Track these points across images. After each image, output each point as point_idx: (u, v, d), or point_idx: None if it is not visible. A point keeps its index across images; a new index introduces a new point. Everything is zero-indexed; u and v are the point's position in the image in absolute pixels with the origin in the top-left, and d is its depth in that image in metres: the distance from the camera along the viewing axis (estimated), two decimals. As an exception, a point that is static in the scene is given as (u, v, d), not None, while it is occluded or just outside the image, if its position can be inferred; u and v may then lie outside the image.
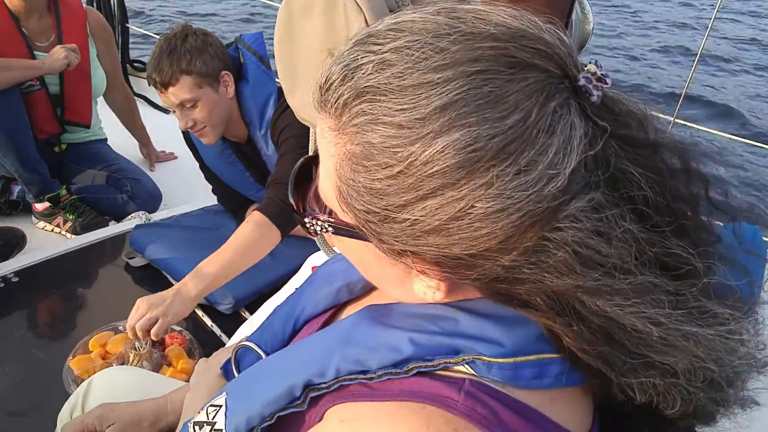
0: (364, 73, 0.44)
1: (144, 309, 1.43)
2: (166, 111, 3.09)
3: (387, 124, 0.43)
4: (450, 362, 0.50)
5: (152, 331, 1.41)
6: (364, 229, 0.49)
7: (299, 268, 1.37)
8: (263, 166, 1.85)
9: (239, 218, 2.02)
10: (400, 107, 0.43)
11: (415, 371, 0.51)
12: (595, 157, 0.44)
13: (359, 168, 0.46)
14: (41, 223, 2.25)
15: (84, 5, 2.39)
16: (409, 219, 0.45)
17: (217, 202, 2.12)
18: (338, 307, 0.76)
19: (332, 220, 0.53)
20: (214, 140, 1.72)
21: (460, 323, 0.51)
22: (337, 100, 0.46)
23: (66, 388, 1.43)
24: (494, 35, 0.44)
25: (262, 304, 1.44)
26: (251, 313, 1.72)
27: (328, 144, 0.48)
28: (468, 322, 0.51)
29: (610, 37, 8.24)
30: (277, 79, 1.45)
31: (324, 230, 0.54)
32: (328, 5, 0.74)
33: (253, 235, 1.51)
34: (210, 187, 2.09)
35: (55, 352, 1.55)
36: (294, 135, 1.60)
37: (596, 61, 0.47)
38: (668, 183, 0.46)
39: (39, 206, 2.23)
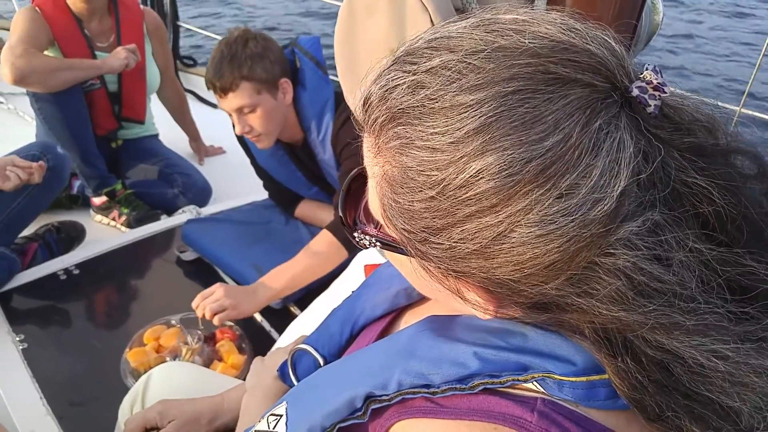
0: (398, 95, 0.44)
1: (220, 294, 1.53)
2: (214, 106, 3.14)
3: (421, 147, 0.42)
4: (518, 380, 0.48)
5: (216, 318, 1.51)
6: (408, 246, 0.48)
7: (348, 264, 1.37)
8: (316, 167, 1.85)
9: (290, 214, 2.04)
10: (433, 131, 0.42)
11: (481, 387, 0.49)
12: (652, 174, 0.41)
13: (398, 189, 0.45)
14: (98, 217, 2.32)
15: (140, 5, 2.44)
16: (448, 242, 0.44)
17: (266, 197, 2.15)
18: (397, 312, 0.76)
19: (380, 234, 0.53)
20: (269, 145, 1.73)
21: (528, 339, 0.49)
22: (375, 121, 0.46)
23: (123, 380, 1.48)
24: (532, 50, 0.41)
25: (311, 299, 1.45)
26: (300, 309, 1.74)
27: (370, 163, 0.48)
28: (537, 338, 0.49)
29: (674, 27, 7.92)
30: (333, 77, 1.45)
31: (372, 244, 0.54)
32: (393, 3, 0.72)
33: (322, 253, 1.60)
34: (259, 181, 2.11)
35: (112, 344, 1.60)
36: (356, 153, 1.59)
37: (654, 66, 0.43)
38: (743, 191, 0.43)
39: (97, 200, 2.30)
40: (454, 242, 0.43)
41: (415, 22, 0.71)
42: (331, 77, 1.69)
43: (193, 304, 1.54)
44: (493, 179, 0.40)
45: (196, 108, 2.88)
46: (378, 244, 0.53)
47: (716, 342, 0.41)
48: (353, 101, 1.03)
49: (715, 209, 0.41)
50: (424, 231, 0.45)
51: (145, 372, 1.15)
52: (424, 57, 0.44)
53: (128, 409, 1.07)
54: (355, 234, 0.56)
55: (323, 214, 1.98)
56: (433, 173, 0.42)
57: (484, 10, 0.47)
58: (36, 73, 2.03)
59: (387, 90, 0.45)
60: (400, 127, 0.44)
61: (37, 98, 2.13)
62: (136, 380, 1.19)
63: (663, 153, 0.41)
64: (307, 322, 1.31)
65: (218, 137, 2.83)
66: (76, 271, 1.87)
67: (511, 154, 0.39)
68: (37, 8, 2.15)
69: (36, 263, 1.92)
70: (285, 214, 2.06)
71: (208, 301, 1.52)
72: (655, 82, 0.42)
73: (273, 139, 1.73)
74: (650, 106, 0.41)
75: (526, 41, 0.42)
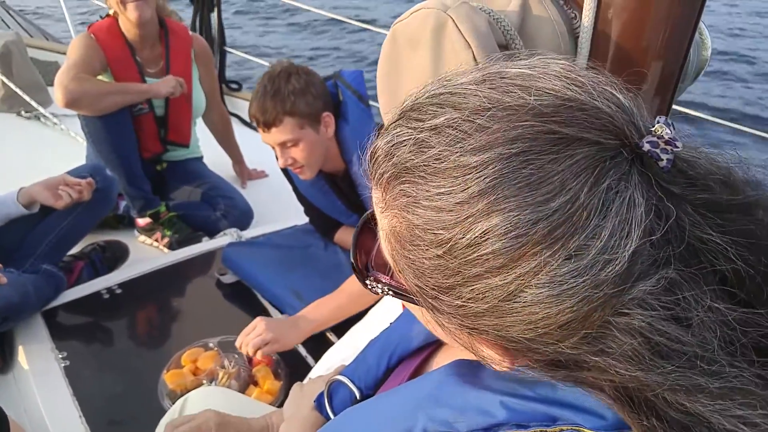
0: (403, 152, 0.44)
1: (261, 329, 1.54)
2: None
3: (427, 207, 0.42)
4: (546, 431, 0.46)
5: (259, 352, 1.52)
6: (420, 299, 0.47)
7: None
8: (357, 197, 1.86)
9: (329, 240, 2.04)
10: (438, 191, 0.41)
11: None
12: (666, 232, 0.39)
13: (406, 246, 0.45)
14: (142, 237, 2.38)
15: (189, 31, 2.52)
16: (458, 300, 0.43)
17: (306, 222, 2.16)
18: (434, 347, 0.74)
19: (392, 283, 0.52)
20: (311, 176, 1.75)
21: (557, 390, 0.47)
22: (382, 176, 0.46)
23: (160, 401, 1.49)
24: (536, 110, 0.41)
25: (347, 326, 1.44)
26: (337, 335, 1.72)
27: (380, 215, 0.48)
28: (566, 389, 0.47)
29: (722, 61, 7.78)
30: (375, 105, 1.46)
31: (384, 293, 0.54)
32: (436, 39, 0.72)
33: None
34: (300, 206, 2.12)
35: (151, 364, 1.61)
36: None
37: (666, 119, 0.42)
38: (764, 248, 0.40)
39: (141, 221, 2.35)
40: (464, 301, 0.43)
41: (457, 58, 0.71)
42: (374, 105, 1.70)
43: (237, 343, 1.56)
44: (500, 240, 0.39)
45: (240, 131, 2.93)
46: (390, 292, 0.53)
47: (743, 407, 0.39)
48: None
49: (734, 267, 0.40)
50: (434, 289, 0.44)
51: (182, 394, 1.16)
52: (429, 114, 0.44)
53: (164, 433, 1.07)
54: (367, 282, 0.56)
55: (362, 240, 1.97)
56: (439, 232, 0.42)
57: (492, 63, 0.47)
58: (86, 96, 2.11)
59: (393, 146, 0.45)
60: (406, 185, 0.44)
61: (87, 121, 2.21)
62: (173, 402, 1.19)
63: (677, 210, 0.40)
64: (342, 349, 1.30)
65: (261, 161, 2.87)
66: (119, 291, 1.90)
67: (517, 215, 0.39)
68: (92, 35, 2.25)
69: (81, 281, 1.97)
70: (324, 240, 2.06)
71: (250, 338, 1.54)
72: (666, 136, 0.40)
73: (315, 170, 1.74)
74: (663, 160, 0.40)
75: (531, 99, 0.41)
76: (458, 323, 0.45)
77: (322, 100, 1.66)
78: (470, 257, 0.41)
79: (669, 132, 0.41)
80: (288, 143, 1.65)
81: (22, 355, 1.63)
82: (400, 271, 0.48)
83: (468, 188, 0.40)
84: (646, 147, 0.40)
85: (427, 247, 0.43)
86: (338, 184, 1.87)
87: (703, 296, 0.39)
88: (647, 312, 0.39)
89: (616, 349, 0.40)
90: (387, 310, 1.29)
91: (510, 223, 0.39)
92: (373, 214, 0.53)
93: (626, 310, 0.39)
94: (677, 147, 0.40)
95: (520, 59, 0.47)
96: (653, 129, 0.41)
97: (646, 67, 0.77)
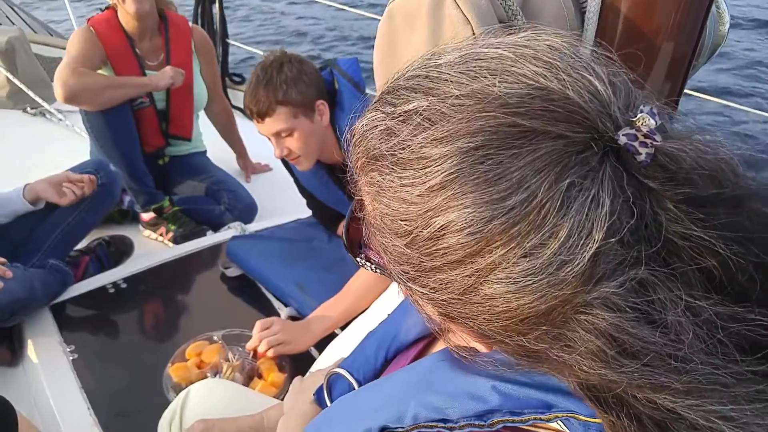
0: (374, 138, 0.45)
1: (277, 329, 1.58)
2: (261, 123, 3.19)
3: (392, 198, 0.43)
4: (540, 419, 0.46)
5: (271, 351, 1.56)
6: (399, 281, 0.48)
7: (390, 283, 1.36)
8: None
9: (332, 232, 2.04)
10: (401, 182, 0.42)
11: (501, 425, 0.47)
12: (637, 230, 0.38)
13: (376, 231, 0.47)
14: (147, 232, 2.39)
15: (190, 24, 2.50)
16: (424, 288, 0.44)
17: (310, 215, 2.16)
18: (431, 339, 0.74)
19: (382, 263, 0.53)
20: (308, 167, 1.75)
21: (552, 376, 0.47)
22: (357, 161, 0.47)
23: (165, 394, 1.50)
24: (501, 100, 0.39)
25: (352, 318, 1.45)
26: (341, 327, 1.73)
27: (360, 196, 0.49)
28: None
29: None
30: (372, 93, 1.45)
31: (373, 270, 0.56)
32: (434, 16, 0.70)
33: (369, 283, 1.63)
34: (303, 199, 2.12)
35: (156, 357, 1.63)
36: None
37: (651, 108, 0.39)
38: (756, 240, 0.39)
39: (145, 216, 2.36)
40: (429, 290, 0.44)
41: (456, 35, 0.68)
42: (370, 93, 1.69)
43: (251, 343, 1.58)
44: (456, 236, 0.40)
45: (244, 125, 2.92)
46: (378, 270, 0.55)
47: (715, 404, 0.37)
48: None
49: (721, 261, 0.38)
50: (404, 274, 0.45)
51: (186, 387, 1.17)
52: (402, 98, 0.44)
53: (167, 426, 1.08)
54: (358, 258, 0.58)
55: (365, 232, 1.97)
56: (403, 223, 0.43)
57: (483, 36, 0.46)
58: (85, 91, 2.11)
59: (367, 129, 0.46)
60: (374, 173, 0.45)
61: (88, 116, 2.21)
62: (177, 394, 1.20)
63: (653, 206, 0.38)
64: (346, 342, 1.30)
65: (265, 154, 2.86)
66: (124, 285, 1.92)
67: (472, 212, 0.39)
68: (91, 28, 2.24)
69: (87, 276, 1.98)
70: (328, 232, 2.06)
71: (266, 334, 1.57)
72: (645, 129, 0.38)
73: (312, 160, 1.74)
74: (641, 154, 0.38)
75: (498, 87, 0.40)
76: (431, 307, 0.47)
77: (316, 88, 1.65)
78: (430, 250, 0.42)
79: (652, 123, 0.39)
80: (282, 133, 1.64)
81: (31, 349, 1.65)
82: (379, 252, 0.49)
83: (427, 181, 0.40)
84: (622, 140, 0.38)
85: (393, 236, 0.44)
86: (337, 174, 1.87)
87: (680, 295, 0.38)
88: (612, 313, 0.38)
89: (579, 345, 0.39)
90: (389, 301, 1.29)
91: (465, 220, 0.39)
92: None
93: (588, 310, 0.38)
94: (657, 141, 0.38)
95: (514, 33, 0.45)
96: (634, 120, 0.39)
97: (658, 44, 0.73)
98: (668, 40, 0.74)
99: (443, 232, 0.40)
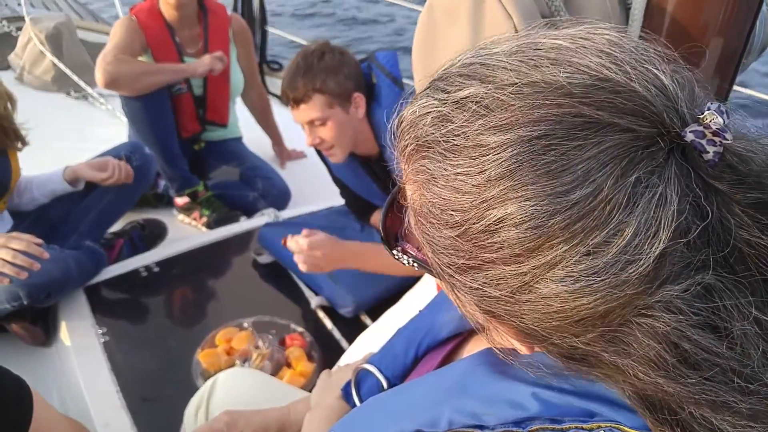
0: (425, 124, 0.42)
1: (321, 236, 1.58)
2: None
3: (444, 187, 0.41)
4: (582, 428, 0.43)
5: (301, 257, 1.56)
6: (441, 275, 0.45)
7: (422, 276, 1.32)
8: (391, 181, 1.82)
9: (365, 222, 2.02)
10: (455, 171, 0.40)
11: None
12: (703, 232, 0.36)
13: (423, 221, 0.44)
14: (181, 216, 2.40)
15: (229, 12, 2.51)
16: (473, 283, 0.42)
17: (343, 203, 2.14)
18: (463, 337, 0.71)
19: (419, 256, 0.51)
20: (342, 159, 1.73)
21: (595, 383, 0.44)
22: (405, 148, 0.45)
23: (194, 380, 1.49)
24: (565, 89, 0.37)
25: (383, 310, 1.42)
26: (372, 318, 1.70)
27: (405, 186, 0.46)
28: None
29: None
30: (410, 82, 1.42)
31: (410, 264, 0.53)
32: (475, 10, 0.69)
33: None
34: (337, 188, 2.10)
35: (186, 343, 1.63)
36: None
37: (720, 105, 0.37)
38: None
39: (180, 200, 2.38)
40: (479, 284, 0.41)
41: (497, 30, 0.68)
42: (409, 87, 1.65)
43: (304, 234, 1.58)
44: (515, 229, 0.37)
45: (279, 112, 2.92)
46: (415, 264, 0.53)
47: None
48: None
49: None
50: (449, 267, 0.43)
51: (215, 373, 1.15)
52: (455, 85, 0.42)
53: (193, 413, 1.07)
54: (394, 252, 0.55)
55: (397, 223, 1.94)
56: (454, 213, 0.40)
57: (531, 31, 0.44)
58: (124, 77, 2.14)
59: (417, 117, 0.43)
60: (425, 160, 0.42)
61: (126, 101, 2.24)
62: (206, 381, 1.19)
63: (720, 209, 0.36)
64: (375, 335, 1.27)
65: (300, 141, 2.84)
66: (156, 269, 1.93)
67: (533, 205, 0.36)
68: (133, 17, 2.28)
69: (121, 258, 2.00)
70: (361, 222, 2.04)
71: (305, 241, 1.56)
72: (714, 126, 0.36)
73: (345, 152, 1.72)
74: (708, 153, 0.36)
75: (561, 76, 0.38)
76: (475, 303, 0.43)
77: (354, 80, 1.64)
78: (484, 243, 0.39)
79: (720, 121, 0.36)
80: (316, 121, 1.63)
81: (64, 331, 1.66)
82: (422, 245, 0.46)
83: (485, 170, 0.38)
84: (689, 137, 0.36)
85: (441, 227, 0.41)
86: (372, 168, 1.85)
87: (749, 306, 0.35)
88: (674, 316, 0.35)
89: (637, 350, 0.37)
90: (421, 296, 1.26)
91: (526, 213, 0.36)
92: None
93: (650, 312, 0.36)
94: (726, 139, 0.36)
95: (565, 28, 0.43)
96: (701, 117, 0.37)
97: (705, 42, 0.72)
98: (717, 35, 0.73)
99: (500, 225, 0.37)
